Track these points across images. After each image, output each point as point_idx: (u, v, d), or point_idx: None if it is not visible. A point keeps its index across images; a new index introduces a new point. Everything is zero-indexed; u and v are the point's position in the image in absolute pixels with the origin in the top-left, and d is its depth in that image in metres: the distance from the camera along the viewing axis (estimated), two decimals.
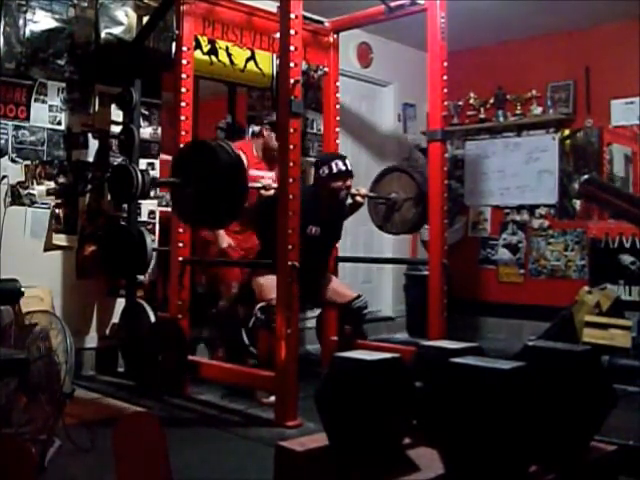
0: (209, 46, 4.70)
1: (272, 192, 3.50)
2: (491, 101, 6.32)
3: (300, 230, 3.49)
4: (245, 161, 3.64)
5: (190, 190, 3.26)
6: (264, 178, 3.76)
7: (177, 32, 3.85)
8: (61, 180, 4.09)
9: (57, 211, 4.07)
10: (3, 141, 3.85)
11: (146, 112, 4.38)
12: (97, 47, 4.18)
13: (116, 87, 4.17)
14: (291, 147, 3.22)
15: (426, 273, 4.16)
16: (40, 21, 3.96)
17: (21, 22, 3.88)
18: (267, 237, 3.59)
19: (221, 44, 4.70)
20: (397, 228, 4.51)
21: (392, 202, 4.40)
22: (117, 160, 4.26)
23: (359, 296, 3.97)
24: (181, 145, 3.69)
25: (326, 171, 3.82)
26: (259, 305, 3.56)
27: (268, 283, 3.51)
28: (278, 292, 3.25)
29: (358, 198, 4.14)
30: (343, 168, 3.82)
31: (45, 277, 3.91)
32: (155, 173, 4.45)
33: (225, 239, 4.19)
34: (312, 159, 4.93)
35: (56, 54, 4.03)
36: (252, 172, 3.95)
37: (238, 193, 3.20)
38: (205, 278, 4.59)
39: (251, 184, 3.44)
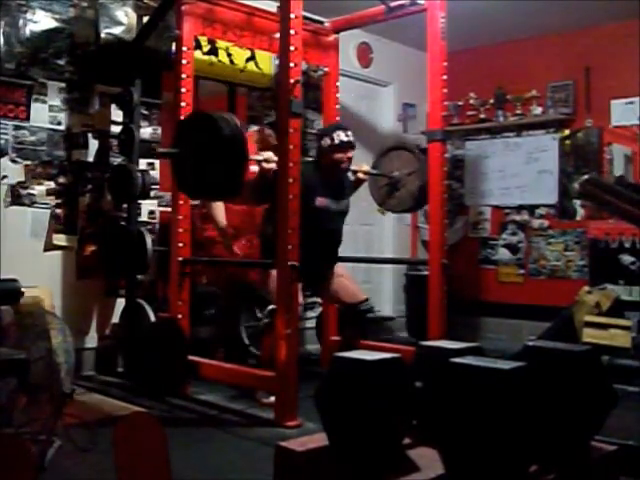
0: (209, 46, 4.70)
1: (273, 165, 3.40)
2: (491, 101, 6.32)
3: (307, 202, 3.47)
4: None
5: (191, 161, 3.21)
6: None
7: (177, 32, 3.85)
8: (61, 180, 4.09)
9: (57, 211, 4.07)
10: (3, 141, 3.85)
11: (146, 112, 4.38)
12: (97, 47, 4.18)
13: (116, 87, 4.17)
14: (291, 147, 3.22)
15: (426, 273, 4.15)
16: (40, 21, 3.97)
17: (21, 22, 3.89)
18: (270, 214, 3.52)
19: (221, 44, 4.70)
20: (402, 204, 4.41)
21: (395, 180, 4.35)
22: (117, 160, 4.26)
23: (367, 299, 3.98)
24: (182, 116, 3.67)
25: (328, 142, 3.76)
26: (270, 307, 3.52)
27: None
28: (278, 292, 3.25)
29: (360, 175, 4.12)
30: (345, 139, 3.76)
31: (45, 277, 3.90)
32: (155, 173, 4.46)
33: (224, 218, 4.05)
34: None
35: (56, 54, 4.04)
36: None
37: (239, 163, 3.13)
38: (212, 275, 4.54)
39: (252, 156, 3.38)
